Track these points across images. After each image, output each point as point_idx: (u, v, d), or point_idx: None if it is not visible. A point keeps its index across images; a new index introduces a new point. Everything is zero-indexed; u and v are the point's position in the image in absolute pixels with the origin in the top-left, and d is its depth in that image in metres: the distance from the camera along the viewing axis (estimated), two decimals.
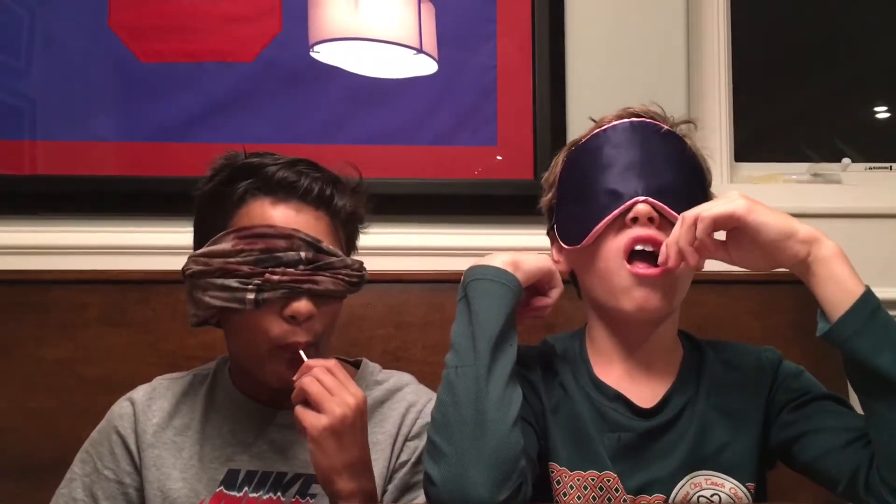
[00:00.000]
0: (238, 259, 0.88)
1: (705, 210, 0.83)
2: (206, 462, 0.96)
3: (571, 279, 1.00)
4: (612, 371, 0.95)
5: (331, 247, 0.92)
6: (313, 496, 0.94)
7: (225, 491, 0.94)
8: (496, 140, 1.58)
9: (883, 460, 0.78)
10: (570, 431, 0.92)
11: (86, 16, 1.56)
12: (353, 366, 1.05)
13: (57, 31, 1.56)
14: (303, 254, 0.89)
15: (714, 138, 1.64)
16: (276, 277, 0.87)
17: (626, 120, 0.95)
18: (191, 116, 1.56)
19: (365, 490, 0.85)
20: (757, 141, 1.78)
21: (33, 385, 1.38)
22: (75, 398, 1.36)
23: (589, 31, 1.60)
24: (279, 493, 0.94)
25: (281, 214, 0.91)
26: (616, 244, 0.90)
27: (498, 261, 0.89)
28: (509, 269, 0.88)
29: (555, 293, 0.95)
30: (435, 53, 1.58)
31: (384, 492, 0.96)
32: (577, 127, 1.10)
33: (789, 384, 0.93)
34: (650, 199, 0.88)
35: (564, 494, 0.90)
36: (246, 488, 0.94)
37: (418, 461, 0.95)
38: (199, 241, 0.95)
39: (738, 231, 0.83)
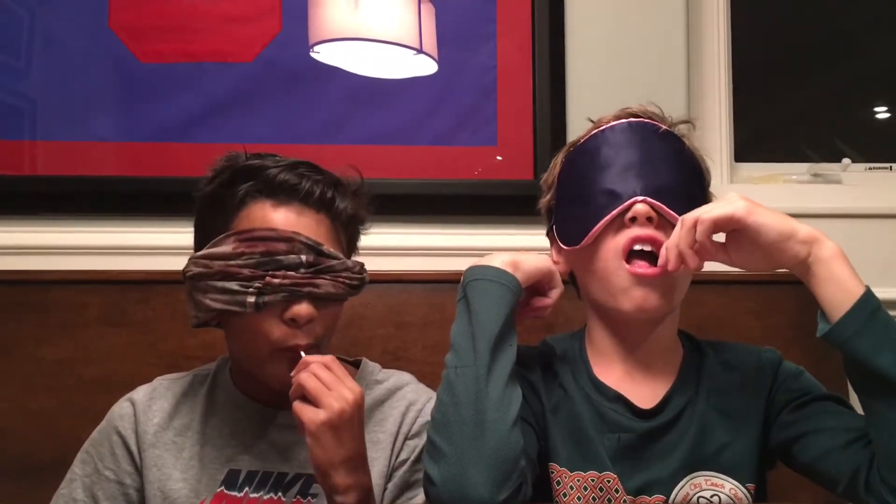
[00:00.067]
0: (239, 262, 0.88)
1: (705, 212, 0.83)
2: (206, 462, 0.96)
3: (571, 280, 1.00)
4: (612, 372, 0.95)
5: (332, 250, 0.92)
6: (314, 496, 0.94)
7: (226, 491, 0.94)
8: (496, 140, 1.58)
9: (883, 460, 0.78)
10: (570, 432, 0.92)
11: (86, 16, 1.56)
12: (353, 365, 1.05)
13: (57, 31, 1.56)
14: (303, 257, 0.89)
15: (714, 138, 1.64)
16: (276, 281, 0.87)
17: (623, 120, 0.95)
18: (191, 116, 1.56)
19: (361, 484, 0.85)
20: (757, 141, 1.78)
21: (33, 385, 1.38)
22: (75, 398, 1.36)
23: (589, 31, 1.60)
24: (280, 494, 0.94)
25: (282, 217, 0.91)
26: (615, 244, 0.90)
27: (498, 261, 0.89)
28: (509, 270, 0.88)
29: (555, 293, 0.95)
30: (435, 53, 1.58)
31: (384, 490, 0.96)
32: (577, 127, 1.09)
33: (789, 384, 0.93)
34: (648, 199, 0.88)
35: (564, 495, 0.90)
36: (247, 488, 0.94)
37: (418, 459, 0.96)
38: (199, 242, 0.95)
39: (737, 233, 0.83)
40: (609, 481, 0.89)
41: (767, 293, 1.46)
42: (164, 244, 1.50)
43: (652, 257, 0.89)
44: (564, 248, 0.95)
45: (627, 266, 0.89)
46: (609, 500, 0.89)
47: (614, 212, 0.89)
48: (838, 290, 0.79)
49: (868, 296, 0.79)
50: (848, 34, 1.92)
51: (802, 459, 0.88)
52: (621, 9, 1.60)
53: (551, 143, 1.53)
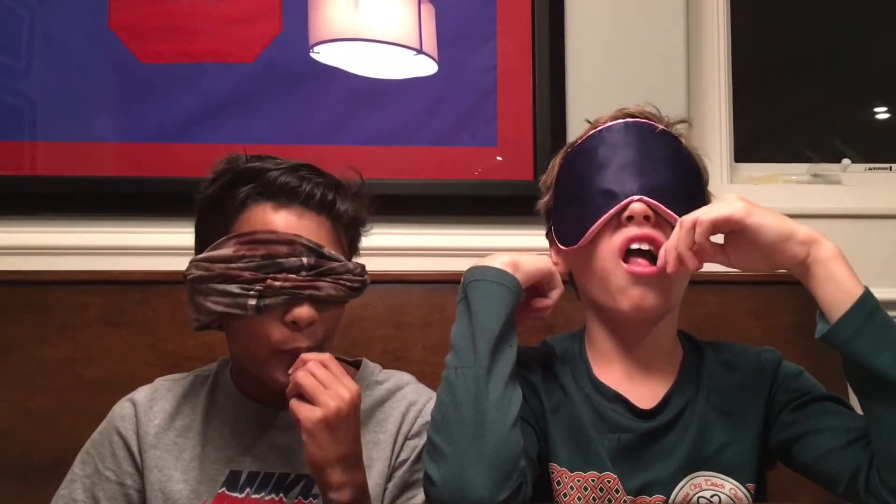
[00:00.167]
0: (239, 265, 0.88)
1: (703, 214, 0.83)
2: (207, 463, 0.96)
3: (570, 280, 1.00)
4: (612, 372, 0.95)
5: (332, 252, 0.92)
6: (316, 497, 0.94)
7: (227, 492, 0.94)
8: (496, 141, 1.58)
9: (883, 461, 0.78)
10: (570, 432, 0.92)
11: (86, 16, 1.56)
12: (353, 366, 1.05)
13: (57, 31, 1.56)
14: (304, 259, 0.89)
15: (714, 139, 1.64)
16: (277, 283, 0.87)
17: (620, 120, 0.95)
18: (191, 117, 1.56)
19: (356, 482, 0.85)
20: (757, 141, 1.78)
21: (33, 385, 1.38)
22: (75, 398, 1.36)
23: (589, 32, 1.60)
24: (281, 495, 0.94)
25: (283, 220, 0.91)
26: (612, 244, 0.90)
27: (498, 262, 0.89)
28: (509, 270, 0.88)
29: (555, 294, 0.95)
30: (435, 54, 1.58)
31: (384, 490, 0.96)
32: (577, 127, 1.10)
33: (789, 385, 0.93)
34: (645, 198, 0.89)
35: (565, 495, 0.90)
36: (248, 489, 0.95)
37: (417, 459, 0.96)
38: (200, 245, 0.95)
39: (736, 234, 0.83)
40: (609, 481, 0.89)
41: (767, 293, 1.46)
42: (164, 244, 1.50)
43: (650, 256, 0.89)
44: (563, 248, 0.95)
45: (625, 265, 0.89)
46: (609, 501, 0.89)
47: (611, 211, 0.89)
48: (837, 290, 0.80)
49: (867, 296, 0.79)
50: (848, 34, 1.92)
51: (802, 459, 0.88)
52: (621, 9, 1.60)
53: (551, 143, 1.52)
